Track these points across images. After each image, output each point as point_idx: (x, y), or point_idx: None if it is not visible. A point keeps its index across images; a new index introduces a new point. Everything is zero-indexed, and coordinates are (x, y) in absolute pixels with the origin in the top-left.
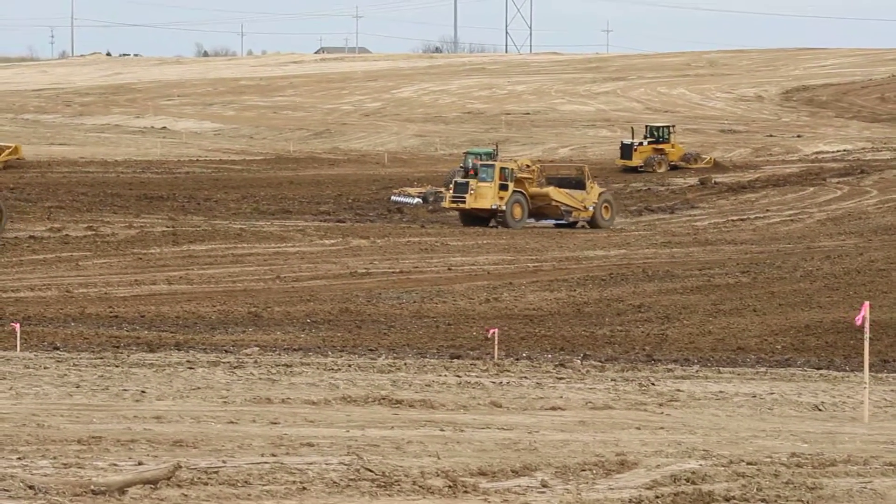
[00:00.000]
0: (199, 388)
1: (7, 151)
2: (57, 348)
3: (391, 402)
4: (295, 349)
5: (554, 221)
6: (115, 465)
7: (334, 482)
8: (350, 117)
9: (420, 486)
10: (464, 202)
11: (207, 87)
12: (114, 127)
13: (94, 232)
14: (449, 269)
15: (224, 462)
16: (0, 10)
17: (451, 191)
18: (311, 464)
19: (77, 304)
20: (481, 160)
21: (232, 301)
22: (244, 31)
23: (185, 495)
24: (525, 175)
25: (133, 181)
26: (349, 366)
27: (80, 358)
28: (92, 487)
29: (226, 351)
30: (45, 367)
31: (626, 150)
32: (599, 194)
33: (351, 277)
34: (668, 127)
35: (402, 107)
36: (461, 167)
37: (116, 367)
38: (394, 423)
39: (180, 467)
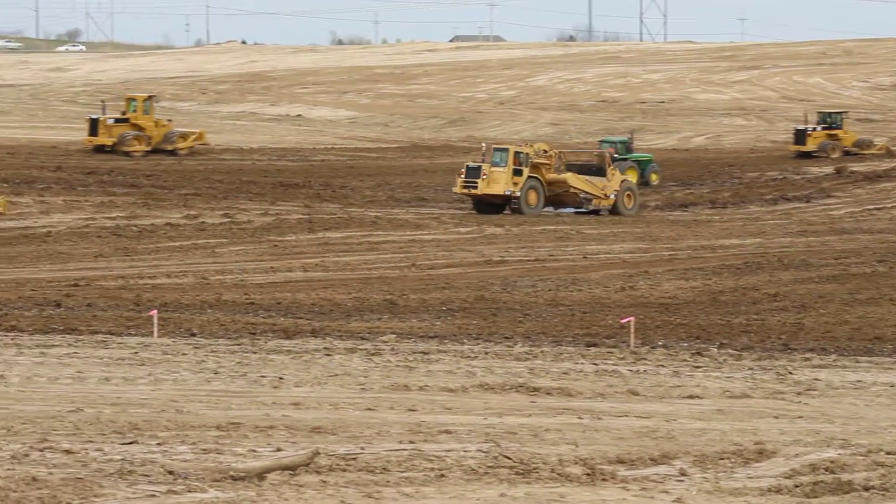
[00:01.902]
0: (336, 374)
1: (193, 137)
2: (194, 335)
3: (528, 389)
4: (431, 337)
5: (573, 209)
6: (254, 451)
7: (472, 469)
8: (485, 105)
9: (558, 474)
10: (475, 188)
11: (342, 75)
12: (249, 115)
13: (230, 219)
14: (584, 257)
15: (362, 448)
16: None
17: (462, 175)
18: (449, 451)
19: (213, 291)
20: (616, 149)
21: (368, 288)
22: (379, 19)
23: (324, 481)
24: (542, 160)
25: (269, 169)
26: (486, 353)
27: (218, 344)
28: (231, 473)
29: (362, 338)
30: (183, 354)
31: (800, 136)
32: (621, 182)
33: (486, 265)
34: (840, 113)
35: (536, 95)
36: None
37: (254, 353)
38: (531, 410)
39: (319, 453)
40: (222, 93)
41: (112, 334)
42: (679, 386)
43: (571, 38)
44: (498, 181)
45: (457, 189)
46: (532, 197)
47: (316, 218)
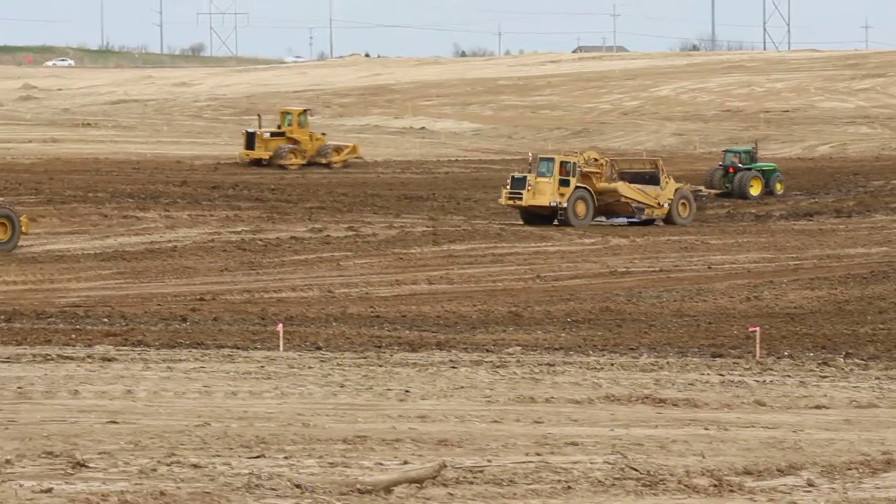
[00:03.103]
0: (462, 387)
1: (347, 150)
2: (319, 348)
3: (655, 400)
4: (556, 348)
5: (626, 219)
6: (381, 464)
7: (599, 481)
8: (608, 116)
9: (685, 485)
10: (520, 199)
11: (466, 87)
12: (373, 127)
13: (354, 232)
14: (709, 267)
15: (489, 461)
16: (260, 12)
17: (507, 186)
18: (575, 463)
19: (338, 304)
20: (740, 158)
21: (492, 300)
22: (501, 30)
23: (451, 494)
24: (592, 169)
25: (393, 181)
26: (611, 365)
27: (344, 357)
28: (358, 486)
29: (487, 350)
30: (308, 367)
31: None
32: (676, 190)
33: (611, 276)
34: None
35: (660, 105)
36: (720, 165)
37: (380, 366)
38: (658, 421)
39: (445, 466)
40: (346, 106)
41: (238, 348)
42: (806, 396)
43: (695, 48)
44: (543, 192)
45: (502, 200)
46: (580, 208)
47: (440, 230)
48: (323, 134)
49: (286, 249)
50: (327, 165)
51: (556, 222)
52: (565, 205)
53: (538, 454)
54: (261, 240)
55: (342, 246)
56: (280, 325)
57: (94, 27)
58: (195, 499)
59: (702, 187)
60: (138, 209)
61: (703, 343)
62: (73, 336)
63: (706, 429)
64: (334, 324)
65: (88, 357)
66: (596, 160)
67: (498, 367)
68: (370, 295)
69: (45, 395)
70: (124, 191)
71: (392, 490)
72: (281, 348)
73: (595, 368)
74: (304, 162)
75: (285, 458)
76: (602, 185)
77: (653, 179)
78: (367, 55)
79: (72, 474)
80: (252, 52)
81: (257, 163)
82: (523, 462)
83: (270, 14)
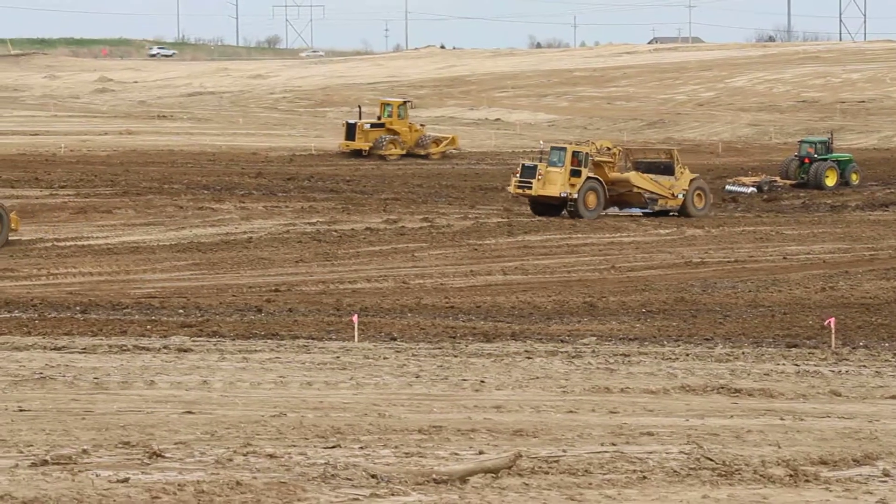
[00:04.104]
0: (537, 377)
1: (445, 142)
2: (394, 339)
3: (730, 391)
4: (631, 339)
5: (640, 210)
6: (456, 454)
7: (675, 471)
8: (684, 107)
9: (761, 475)
10: (530, 188)
11: (541, 78)
12: (448, 119)
13: (429, 223)
14: (784, 257)
15: (564, 451)
16: (336, 4)
17: (516, 175)
18: (650, 453)
19: (413, 295)
20: (816, 149)
21: (567, 291)
22: (577, 22)
23: (526, 484)
24: (604, 159)
25: (468, 172)
26: (686, 355)
27: (419, 348)
28: (434, 476)
29: (562, 341)
30: (384, 358)
31: None
32: (691, 181)
33: (685, 267)
34: None
35: (735, 96)
36: (795, 155)
37: (455, 357)
38: (733, 412)
39: (521, 456)
40: (422, 97)
41: (313, 339)
42: (882, 386)
43: (770, 39)
44: (554, 182)
45: (511, 189)
46: (590, 199)
47: (515, 221)
48: (422, 125)
49: (361, 240)
50: (426, 157)
51: (564, 213)
52: (575, 195)
53: (613, 444)
54: (336, 231)
55: (417, 237)
56: (355, 316)
57: (170, 20)
58: (271, 489)
59: (777, 178)
60: (214, 201)
61: (778, 333)
62: (149, 327)
63: (781, 419)
64: (409, 314)
65: (164, 348)
66: (609, 149)
67: (573, 357)
68: (445, 286)
69: (122, 385)
70: (200, 182)
71: (467, 480)
72: (356, 339)
73: (670, 359)
74: (403, 153)
75: (361, 448)
76: (614, 174)
77: (667, 170)
78: (442, 47)
79: (148, 464)
80: (327, 44)
81: (357, 153)
82: (598, 452)
83: (346, 6)
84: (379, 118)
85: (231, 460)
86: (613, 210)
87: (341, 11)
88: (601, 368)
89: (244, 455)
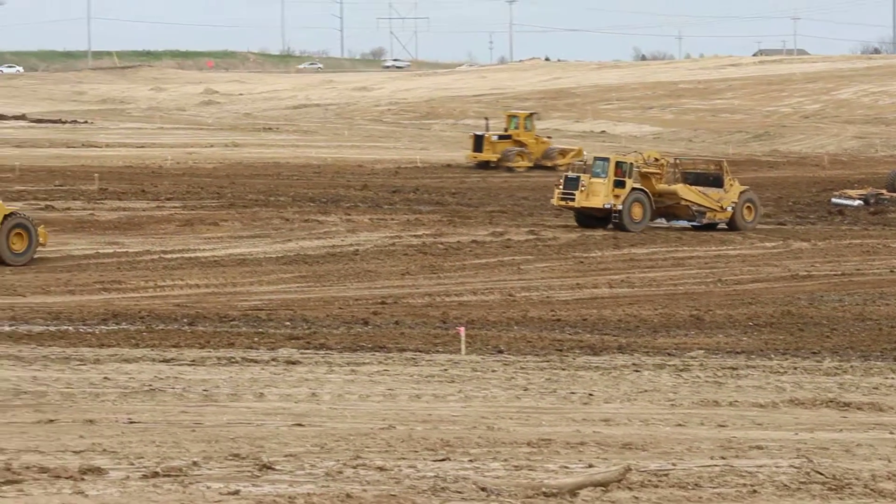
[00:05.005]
0: (645, 390)
1: (572, 154)
2: (501, 351)
3: (839, 404)
4: (738, 352)
5: (687, 222)
6: (566, 467)
7: (785, 485)
8: (789, 119)
9: (872, 490)
10: (573, 199)
11: (646, 90)
12: (553, 131)
13: (535, 236)
14: (891, 271)
15: (674, 465)
16: (441, 17)
17: (560, 186)
18: (760, 466)
19: (519, 308)
20: None
21: (673, 304)
22: (682, 34)
23: (636, 498)
24: (652, 170)
25: None
26: (794, 368)
27: (526, 361)
28: (543, 489)
29: (669, 354)
30: (492, 371)
31: None
32: (740, 193)
33: (792, 280)
34: None
35: (841, 108)
36: None
37: (563, 370)
38: (842, 425)
39: (630, 470)
40: (527, 110)
41: (420, 352)
42: None
43: (876, 51)
44: (597, 193)
45: (554, 201)
46: (636, 210)
47: (621, 234)
48: (549, 137)
49: (467, 253)
50: (553, 168)
51: (610, 225)
52: (620, 207)
53: (723, 458)
54: (442, 243)
55: (523, 250)
56: (462, 329)
57: (275, 32)
58: (381, 501)
59: (883, 190)
60: (319, 213)
61: (886, 347)
62: (256, 339)
63: (891, 433)
64: (515, 327)
65: (273, 360)
66: (656, 160)
67: (681, 370)
68: (551, 299)
69: (231, 397)
70: (305, 195)
71: (577, 493)
72: (463, 352)
73: (778, 372)
74: (530, 164)
75: (470, 461)
76: (662, 186)
77: (716, 181)
78: (546, 59)
79: (258, 476)
80: (432, 56)
81: (485, 165)
82: (708, 466)
83: (451, 19)
84: (506, 130)
85: (341, 473)
86: (660, 222)
87: (445, 23)
88: (709, 382)
89: (354, 468)
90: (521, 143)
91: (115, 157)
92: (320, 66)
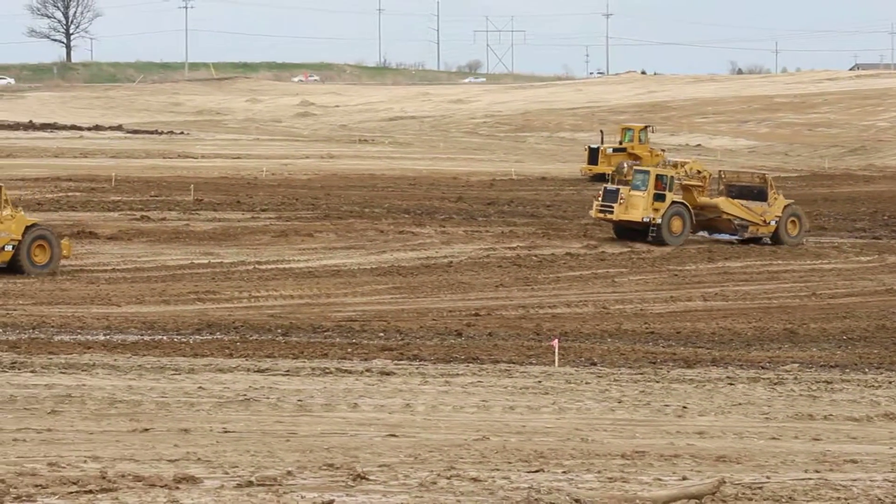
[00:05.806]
0: (740, 403)
1: (686, 167)
2: (595, 363)
3: None
4: (832, 366)
5: (729, 236)
6: (660, 479)
7: (879, 499)
8: (886, 134)
9: None
10: (611, 212)
11: (742, 104)
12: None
13: (629, 249)
14: None
15: (768, 478)
16: (537, 30)
17: (599, 198)
18: (855, 480)
19: (613, 321)
20: None
21: (767, 317)
22: (778, 48)
23: None
24: (693, 183)
25: None
26: (889, 383)
27: (620, 373)
28: (637, 501)
29: (763, 367)
30: (585, 383)
31: None
32: (784, 207)
33: (887, 294)
34: None
35: None
36: None
37: (657, 382)
38: None
39: (725, 482)
40: (622, 123)
41: (514, 363)
42: None
43: None
44: (636, 206)
45: (592, 213)
46: (675, 224)
47: (716, 248)
48: (663, 150)
49: (561, 265)
50: None
51: (649, 239)
52: (659, 220)
53: (817, 471)
54: (535, 256)
55: (617, 262)
56: (556, 341)
57: (371, 45)
58: None
59: None
60: (414, 225)
61: None
62: (350, 350)
63: None
64: (609, 340)
65: (367, 371)
66: (699, 172)
67: (775, 384)
68: (645, 311)
69: (325, 407)
70: (400, 206)
71: None
72: (556, 363)
73: (873, 386)
74: None
75: (564, 472)
76: (703, 199)
77: (761, 195)
78: (643, 72)
79: (352, 486)
80: (528, 69)
81: (600, 177)
82: (802, 479)
83: (547, 32)
84: (620, 143)
85: (435, 483)
86: (702, 234)
87: (542, 37)
88: (803, 395)
89: (448, 478)
90: (635, 156)
91: (210, 168)
92: (483, 79)
